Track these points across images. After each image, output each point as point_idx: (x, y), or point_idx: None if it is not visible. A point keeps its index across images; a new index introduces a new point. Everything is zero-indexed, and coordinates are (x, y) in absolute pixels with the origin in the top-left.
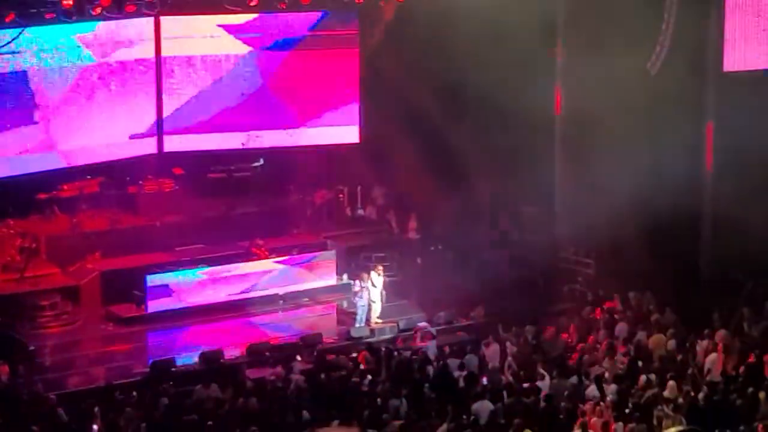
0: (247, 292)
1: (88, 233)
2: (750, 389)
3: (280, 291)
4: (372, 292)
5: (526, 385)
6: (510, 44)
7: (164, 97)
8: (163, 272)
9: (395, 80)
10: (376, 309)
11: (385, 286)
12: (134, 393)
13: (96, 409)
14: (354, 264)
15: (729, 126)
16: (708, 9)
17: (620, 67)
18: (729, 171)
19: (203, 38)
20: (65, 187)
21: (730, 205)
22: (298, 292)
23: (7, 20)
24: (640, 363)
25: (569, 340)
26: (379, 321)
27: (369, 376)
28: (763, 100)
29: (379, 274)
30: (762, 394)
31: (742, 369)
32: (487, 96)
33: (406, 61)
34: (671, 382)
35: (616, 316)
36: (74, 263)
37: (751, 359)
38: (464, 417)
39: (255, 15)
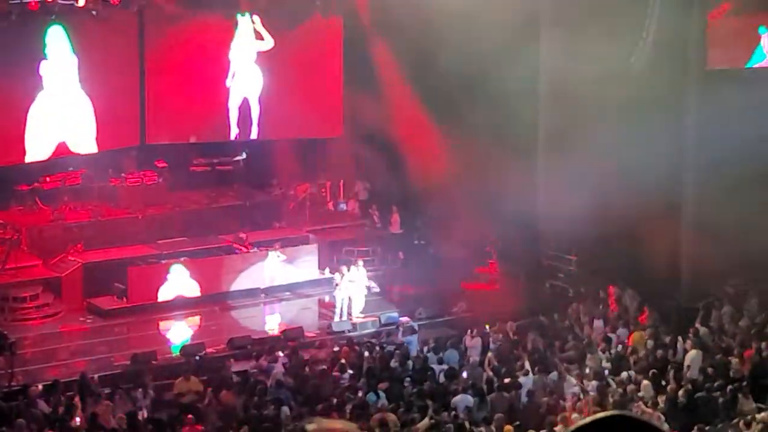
0: (229, 286)
1: (70, 225)
2: (729, 386)
3: (262, 285)
4: (352, 286)
5: (507, 380)
6: (493, 39)
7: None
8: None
9: (378, 73)
10: (358, 303)
11: (368, 279)
12: (115, 385)
13: (76, 400)
14: (336, 258)
15: (712, 123)
16: (691, 5)
17: (603, 63)
18: (711, 168)
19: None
20: (47, 178)
21: (712, 202)
22: (279, 285)
23: None
24: (620, 360)
25: None
26: (361, 315)
27: (350, 371)
28: (746, 97)
29: (359, 269)
30: (741, 392)
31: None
32: (470, 91)
33: (388, 54)
34: (645, 381)
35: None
36: (56, 255)
37: (732, 357)
38: (445, 412)
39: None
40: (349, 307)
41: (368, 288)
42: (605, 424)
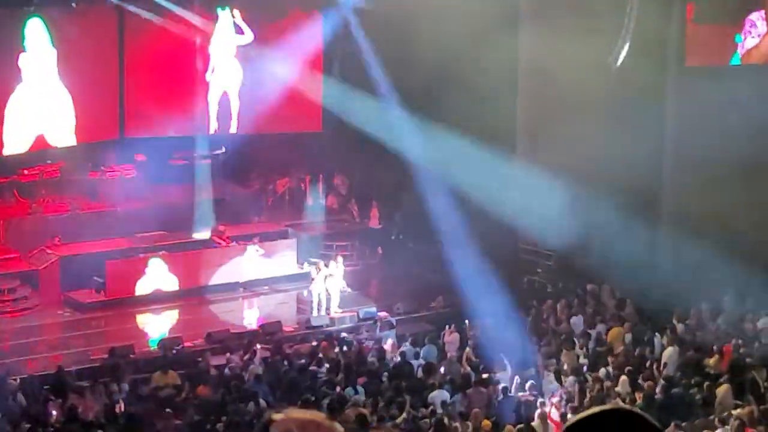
0: (208, 280)
1: (47, 218)
2: (706, 383)
3: (241, 279)
4: (330, 281)
5: (485, 375)
6: (472, 31)
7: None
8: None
9: (358, 67)
10: (336, 298)
11: (346, 275)
12: (92, 379)
13: (52, 396)
14: (315, 253)
15: (690, 119)
16: (670, 2)
17: (583, 57)
18: (690, 163)
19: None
20: (25, 171)
21: (689, 198)
22: (258, 280)
23: None
24: (598, 356)
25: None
26: (339, 311)
27: (327, 365)
28: (724, 93)
29: (338, 264)
30: (721, 388)
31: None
32: (449, 84)
33: (368, 49)
34: (623, 377)
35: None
36: (34, 248)
37: (709, 353)
38: (423, 407)
39: None
40: (328, 302)
41: (343, 284)
42: (602, 418)
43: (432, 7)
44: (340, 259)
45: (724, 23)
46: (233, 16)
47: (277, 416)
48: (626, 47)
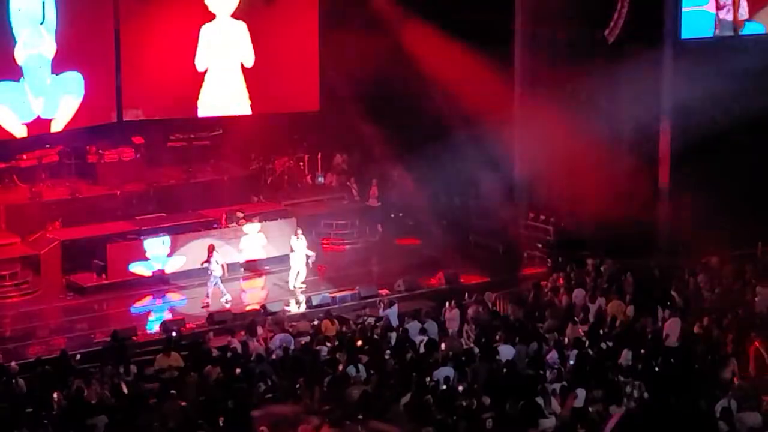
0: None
1: (47, 202)
2: (709, 356)
3: (241, 259)
4: (294, 257)
5: (486, 350)
6: (468, 14)
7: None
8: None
9: (355, 46)
10: (294, 274)
11: (338, 254)
12: (96, 362)
13: (56, 380)
14: (315, 232)
15: (685, 91)
16: None
17: (579, 33)
18: (685, 136)
19: None
20: (24, 156)
21: (687, 169)
22: (259, 260)
23: None
24: (599, 329)
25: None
26: (303, 286)
27: (328, 344)
28: (717, 66)
29: (298, 239)
30: (724, 359)
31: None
32: (447, 64)
33: (366, 26)
34: (624, 350)
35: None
36: (34, 233)
37: (708, 326)
38: (426, 383)
39: None
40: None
41: (308, 257)
42: None
43: None
44: (300, 232)
45: None
46: None
47: (257, 413)
48: (621, 22)
